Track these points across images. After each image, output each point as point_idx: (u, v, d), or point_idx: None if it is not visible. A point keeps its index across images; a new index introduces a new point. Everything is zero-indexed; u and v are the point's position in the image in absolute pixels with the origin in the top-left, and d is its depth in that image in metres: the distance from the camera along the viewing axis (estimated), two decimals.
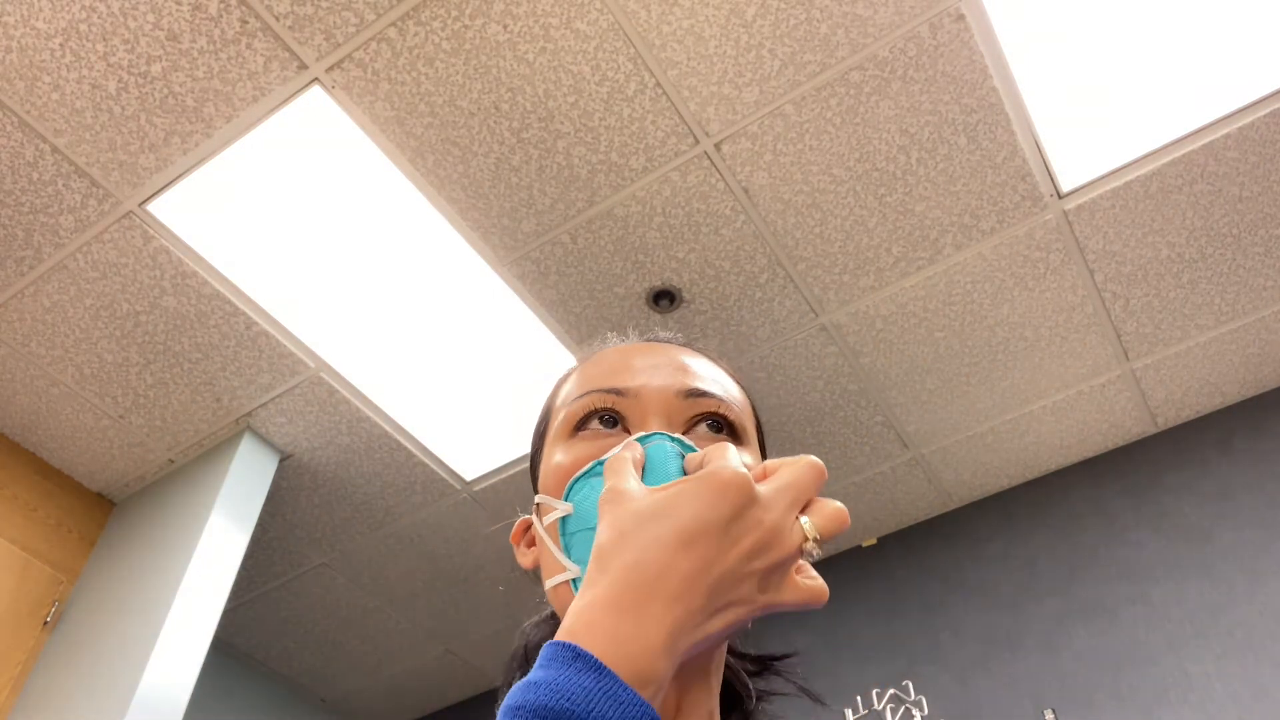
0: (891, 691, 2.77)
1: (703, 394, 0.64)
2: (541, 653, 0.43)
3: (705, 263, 2.44)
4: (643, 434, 0.59)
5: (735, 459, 0.50)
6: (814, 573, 0.50)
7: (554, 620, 0.70)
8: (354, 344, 2.58)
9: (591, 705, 0.39)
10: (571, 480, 0.60)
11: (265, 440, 2.80)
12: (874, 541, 3.16)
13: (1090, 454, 2.92)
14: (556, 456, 0.63)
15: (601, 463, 0.58)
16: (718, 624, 0.46)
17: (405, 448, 2.83)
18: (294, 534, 3.10)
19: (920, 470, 2.96)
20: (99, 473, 2.89)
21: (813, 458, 0.51)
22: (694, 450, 0.57)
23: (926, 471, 2.97)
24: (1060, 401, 2.77)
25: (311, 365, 2.61)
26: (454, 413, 2.77)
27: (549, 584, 0.59)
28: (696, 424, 0.63)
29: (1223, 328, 2.60)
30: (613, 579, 0.45)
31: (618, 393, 0.63)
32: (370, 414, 2.74)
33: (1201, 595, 2.50)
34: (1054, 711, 2.51)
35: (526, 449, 2.90)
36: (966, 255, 2.43)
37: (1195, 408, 2.80)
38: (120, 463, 2.86)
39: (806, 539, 0.48)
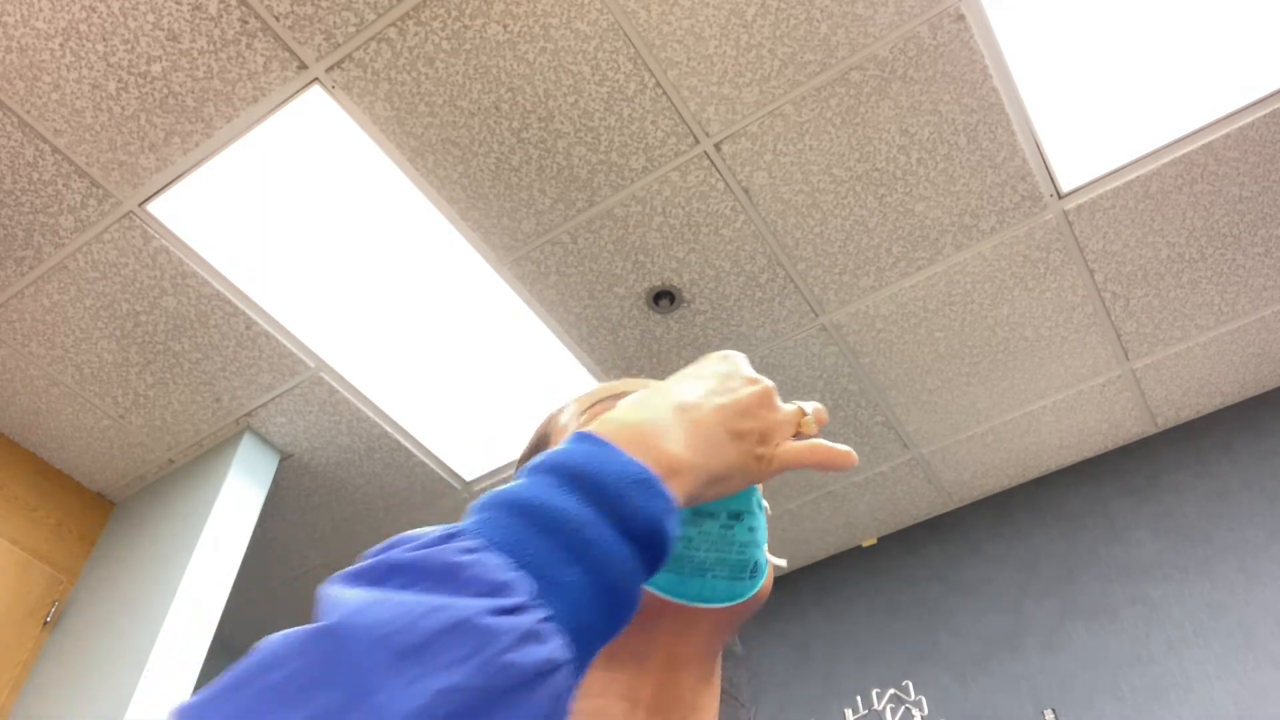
0: (891, 691, 2.77)
1: None
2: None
3: (705, 263, 2.44)
4: None
5: None
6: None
7: None
8: (354, 344, 2.58)
9: (590, 462, 0.43)
10: None
11: (265, 440, 2.80)
12: (874, 541, 3.16)
13: (1090, 454, 2.92)
14: None
15: None
16: (726, 455, 0.50)
17: (405, 448, 2.83)
18: (294, 534, 3.10)
19: (920, 470, 2.96)
20: (99, 473, 2.89)
21: None
22: None
23: (926, 471, 2.97)
24: (1060, 401, 2.77)
25: (311, 365, 2.61)
26: (454, 413, 2.77)
27: None
28: None
29: (1223, 328, 2.60)
30: (633, 398, 0.51)
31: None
32: (370, 414, 2.74)
33: (1201, 595, 2.50)
34: (1054, 711, 2.51)
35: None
36: (966, 255, 2.43)
37: (1195, 408, 2.80)
38: (120, 463, 2.86)
39: (804, 414, 0.56)
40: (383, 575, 0.36)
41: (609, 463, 0.43)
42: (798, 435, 0.56)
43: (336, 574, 0.37)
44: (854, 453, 0.55)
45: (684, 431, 0.48)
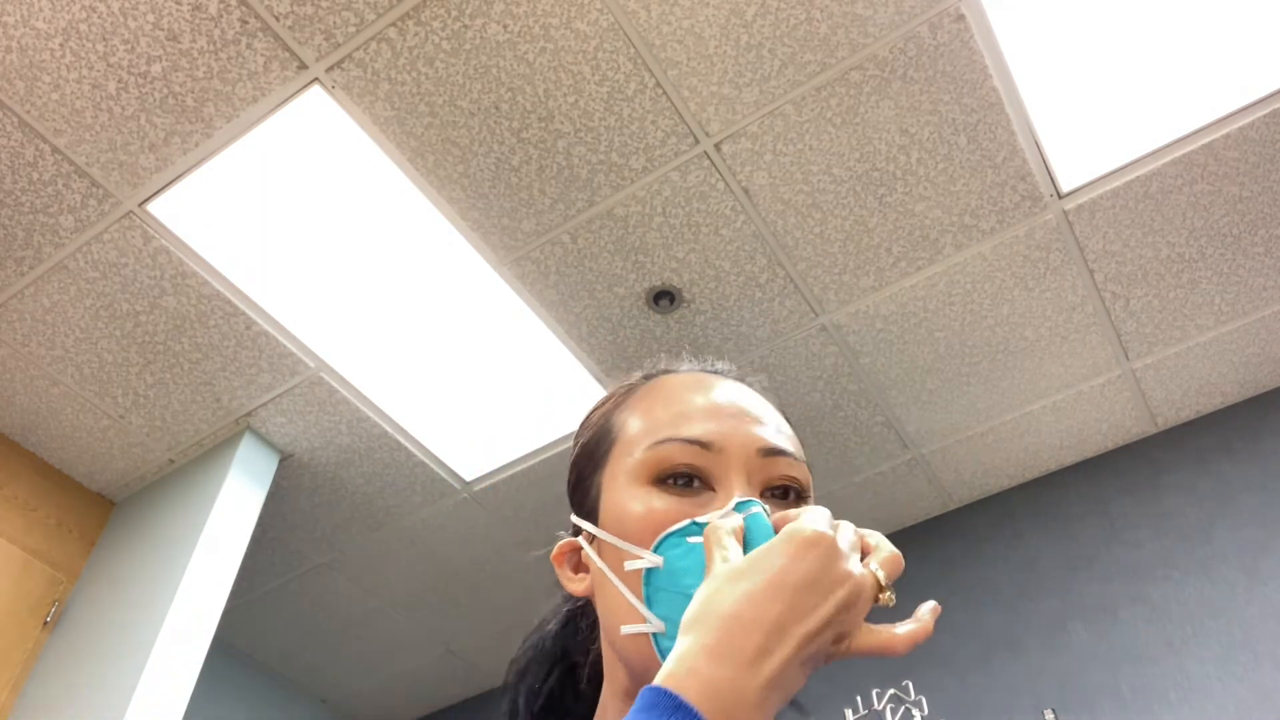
0: (891, 691, 2.77)
1: (779, 452, 0.65)
2: (641, 696, 0.46)
3: (705, 263, 2.44)
4: (739, 501, 0.60)
5: (816, 516, 0.52)
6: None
7: (558, 643, 0.73)
8: (354, 344, 2.58)
9: None
10: (665, 535, 0.60)
11: (265, 440, 2.80)
12: None
13: (1090, 454, 2.92)
14: (636, 503, 0.62)
15: (696, 523, 0.59)
16: (805, 675, 0.48)
17: (405, 448, 2.83)
18: (294, 534, 3.10)
19: (920, 470, 2.96)
20: (99, 473, 2.89)
21: (847, 523, 0.55)
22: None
23: (926, 471, 2.97)
24: (1060, 401, 2.77)
25: (311, 365, 2.61)
26: (454, 413, 2.77)
27: (625, 630, 0.59)
28: (767, 489, 0.64)
29: (1223, 328, 2.60)
30: (708, 629, 0.47)
31: (702, 445, 0.63)
32: (370, 414, 2.74)
33: (1201, 595, 2.50)
34: (1054, 711, 2.51)
35: (527, 449, 2.91)
36: (966, 255, 2.43)
37: (1195, 408, 2.80)
38: (120, 463, 2.86)
39: (882, 589, 0.51)
40: None
41: None
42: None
43: None
44: (929, 625, 0.51)
45: (765, 691, 0.46)
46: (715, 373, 0.72)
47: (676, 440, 0.63)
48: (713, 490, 0.62)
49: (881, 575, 0.51)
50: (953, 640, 2.78)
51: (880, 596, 0.51)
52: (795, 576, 0.48)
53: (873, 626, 0.51)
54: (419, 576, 3.28)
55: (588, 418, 0.73)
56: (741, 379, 0.73)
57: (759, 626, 0.47)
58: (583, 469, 0.70)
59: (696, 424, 0.64)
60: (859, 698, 2.81)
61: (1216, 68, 2.11)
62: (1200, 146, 2.23)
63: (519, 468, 2.92)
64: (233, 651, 3.57)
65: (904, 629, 0.51)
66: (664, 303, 2.51)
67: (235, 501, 2.67)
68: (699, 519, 0.59)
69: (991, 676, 2.66)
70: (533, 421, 2.81)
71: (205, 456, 2.80)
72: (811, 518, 0.52)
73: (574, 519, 0.69)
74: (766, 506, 0.59)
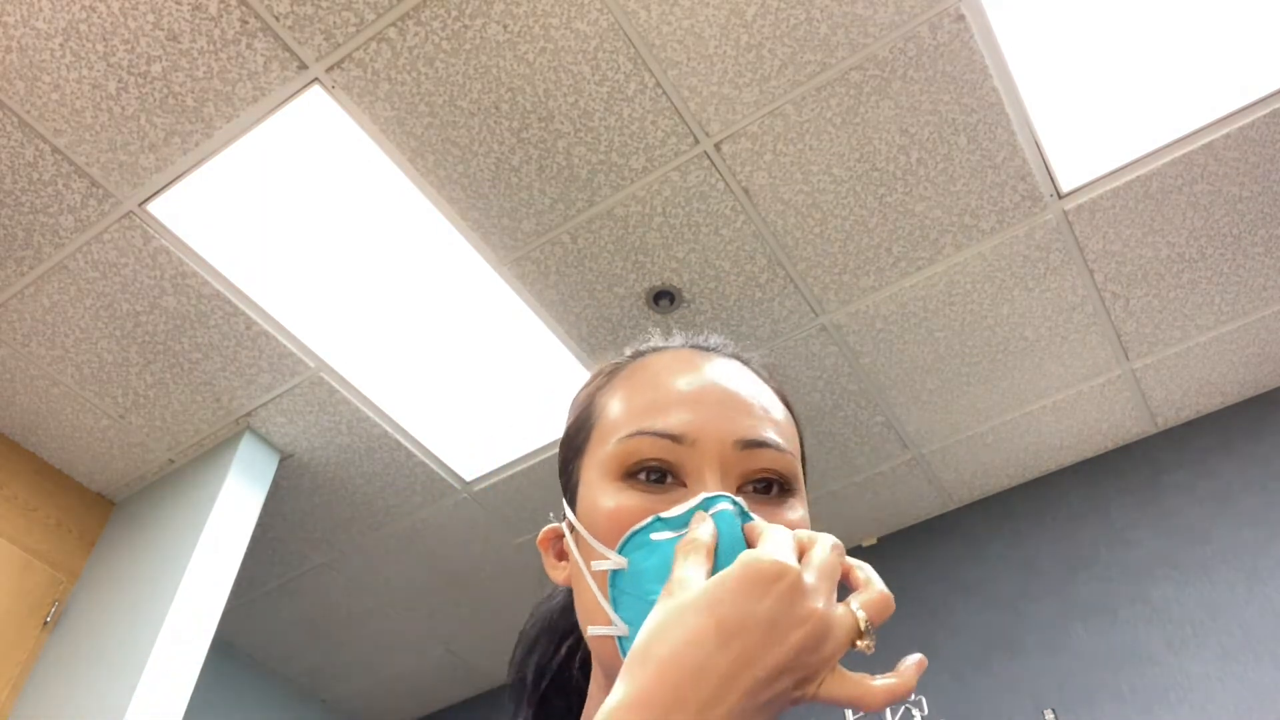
0: None
1: (760, 444, 0.60)
2: None
3: (705, 263, 2.44)
4: (706, 496, 0.56)
5: (780, 544, 0.47)
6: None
7: (566, 618, 0.73)
8: (354, 344, 2.58)
9: None
10: (629, 534, 0.57)
11: (265, 440, 2.80)
12: (874, 541, 3.16)
13: (1090, 454, 2.92)
14: (605, 499, 0.59)
15: (660, 519, 0.56)
16: None
17: (405, 448, 2.83)
18: (294, 534, 3.10)
19: (920, 470, 2.96)
20: (99, 473, 2.89)
21: (831, 536, 0.50)
22: (751, 519, 0.55)
23: (926, 471, 2.97)
24: (1060, 401, 2.77)
25: (311, 365, 2.61)
26: (454, 413, 2.77)
27: (592, 631, 0.58)
28: (747, 483, 0.60)
29: (1223, 328, 2.60)
30: (647, 676, 0.43)
31: (674, 438, 0.59)
32: (370, 414, 2.74)
33: (1201, 595, 2.50)
34: (1054, 711, 2.51)
35: (527, 449, 2.91)
36: (966, 255, 2.43)
37: (1195, 408, 2.80)
38: (120, 463, 2.86)
39: (862, 635, 0.46)
40: None
41: None
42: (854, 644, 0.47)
43: None
44: (911, 681, 0.46)
45: None
46: (707, 349, 0.68)
47: (648, 434, 0.59)
48: (684, 486, 0.58)
49: (862, 617, 0.46)
50: (953, 640, 2.79)
51: (858, 643, 0.46)
52: (749, 618, 0.44)
53: (847, 673, 0.45)
54: (419, 576, 3.28)
55: (576, 397, 0.71)
56: (736, 355, 0.69)
57: (703, 674, 0.42)
58: (567, 453, 0.67)
59: (671, 414, 0.60)
60: None
61: (1216, 68, 2.11)
62: (1200, 146, 2.23)
63: (519, 468, 2.92)
64: (233, 651, 3.57)
65: (882, 682, 0.45)
66: (664, 303, 2.51)
67: (235, 501, 2.67)
68: (663, 514, 0.56)
69: (991, 676, 2.66)
70: (533, 421, 2.81)
71: (205, 456, 2.80)
72: (773, 544, 0.47)
73: (564, 503, 0.67)
74: (740, 502, 0.56)
